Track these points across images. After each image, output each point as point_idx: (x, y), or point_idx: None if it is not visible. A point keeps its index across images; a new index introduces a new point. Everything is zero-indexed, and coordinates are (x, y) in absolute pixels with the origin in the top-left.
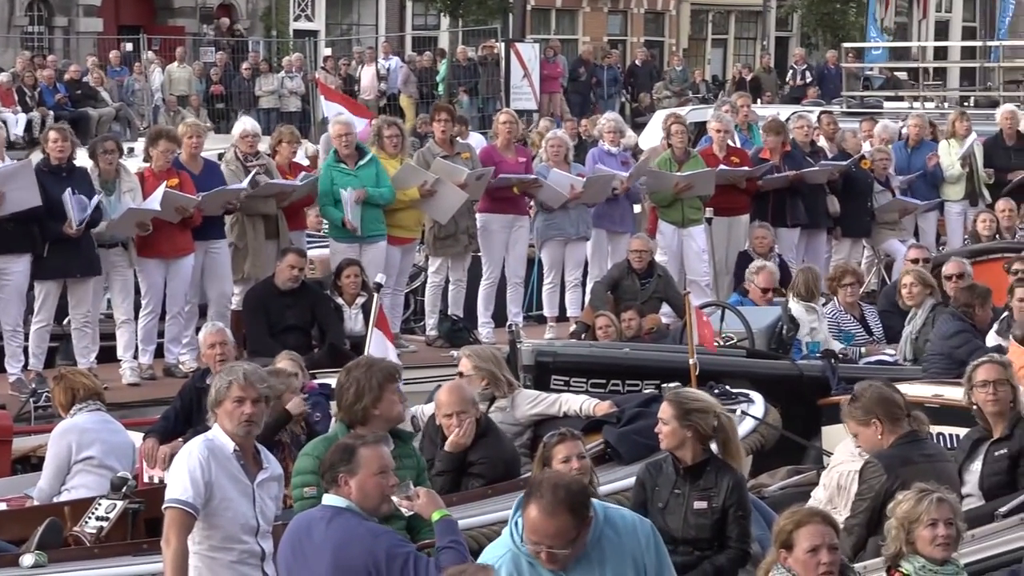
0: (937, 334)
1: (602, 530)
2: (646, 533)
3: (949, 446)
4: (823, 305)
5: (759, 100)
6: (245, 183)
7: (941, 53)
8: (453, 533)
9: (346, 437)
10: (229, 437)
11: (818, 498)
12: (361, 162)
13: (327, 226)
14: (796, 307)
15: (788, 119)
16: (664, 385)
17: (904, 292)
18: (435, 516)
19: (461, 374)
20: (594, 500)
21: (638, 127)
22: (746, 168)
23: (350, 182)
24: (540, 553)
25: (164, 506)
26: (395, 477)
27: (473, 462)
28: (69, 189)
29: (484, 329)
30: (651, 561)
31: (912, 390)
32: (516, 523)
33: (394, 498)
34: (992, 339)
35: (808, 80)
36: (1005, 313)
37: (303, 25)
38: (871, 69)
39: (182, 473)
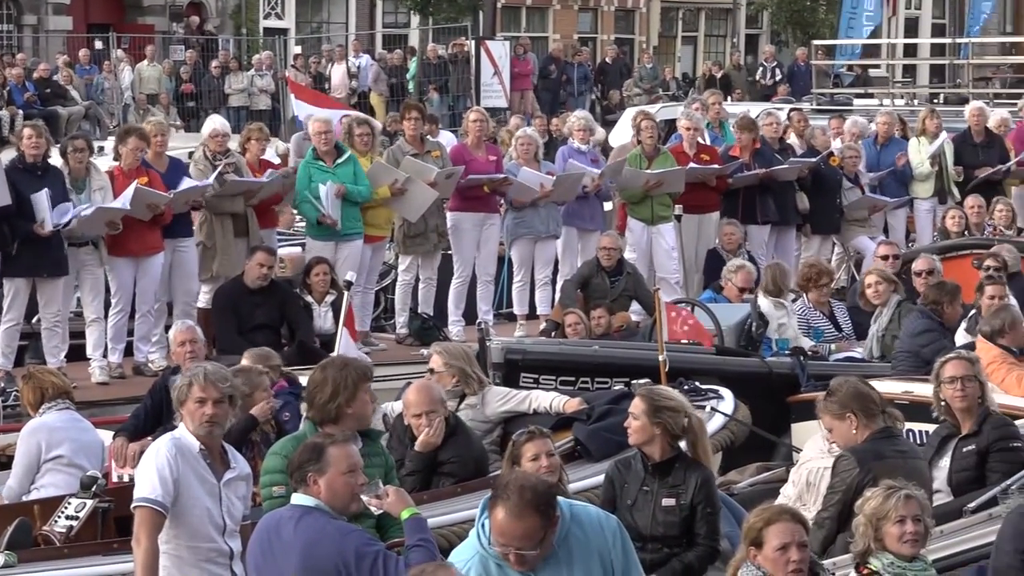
0: (905, 331)
1: (568, 528)
2: (612, 530)
3: (919, 442)
4: (793, 302)
5: (729, 98)
6: (211, 179)
7: (911, 50)
8: (422, 531)
9: (315, 436)
10: (195, 437)
11: (787, 495)
12: (339, 160)
13: (304, 224)
14: (764, 303)
15: (758, 116)
16: (633, 382)
17: (869, 292)
18: (404, 514)
19: (432, 371)
20: (560, 498)
21: (608, 124)
22: (716, 166)
23: (328, 179)
24: (508, 555)
25: (133, 505)
26: (364, 476)
27: (443, 461)
28: (46, 191)
29: (454, 327)
30: (618, 557)
31: (882, 387)
32: (483, 525)
33: (364, 497)
34: (961, 336)
35: (778, 78)
36: (973, 311)
37: (273, 23)
38: (843, 67)
39: (150, 472)
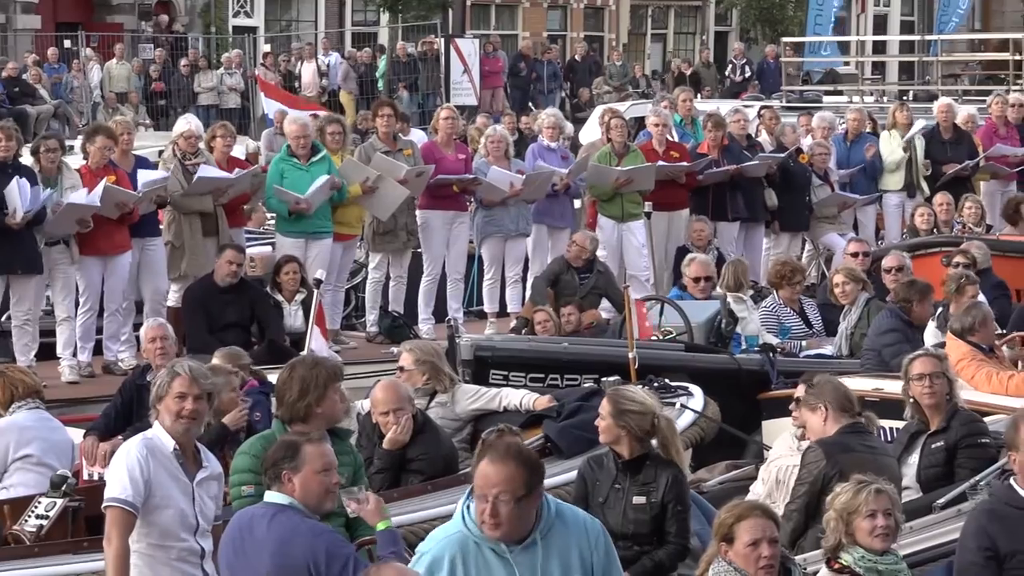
0: (872, 329)
1: (553, 523)
2: (596, 533)
3: (889, 439)
4: (763, 299)
5: (699, 95)
6: (171, 170)
7: (880, 47)
8: (394, 544)
9: (289, 434)
10: (169, 435)
11: (756, 492)
12: (314, 158)
13: (275, 222)
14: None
15: (727, 114)
16: (603, 380)
17: (837, 291)
18: (379, 526)
19: (402, 368)
20: (547, 495)
21: (578, 122)
22: (686, 163)
23: (302, 177)
24: (485, 511)
25: (104, 505)
26: (338, 475)
27: (412, 459)
28: (16, 178)
29: (424, 325)
30: (599, 561)
31: (852, 384)
32: (467, 507)
33: (344, 497)
34: (931, 332)
35: (747, 75)
36: (940, 309)
37: (242, 21)
38: (820, 73)
39: (121, 472)
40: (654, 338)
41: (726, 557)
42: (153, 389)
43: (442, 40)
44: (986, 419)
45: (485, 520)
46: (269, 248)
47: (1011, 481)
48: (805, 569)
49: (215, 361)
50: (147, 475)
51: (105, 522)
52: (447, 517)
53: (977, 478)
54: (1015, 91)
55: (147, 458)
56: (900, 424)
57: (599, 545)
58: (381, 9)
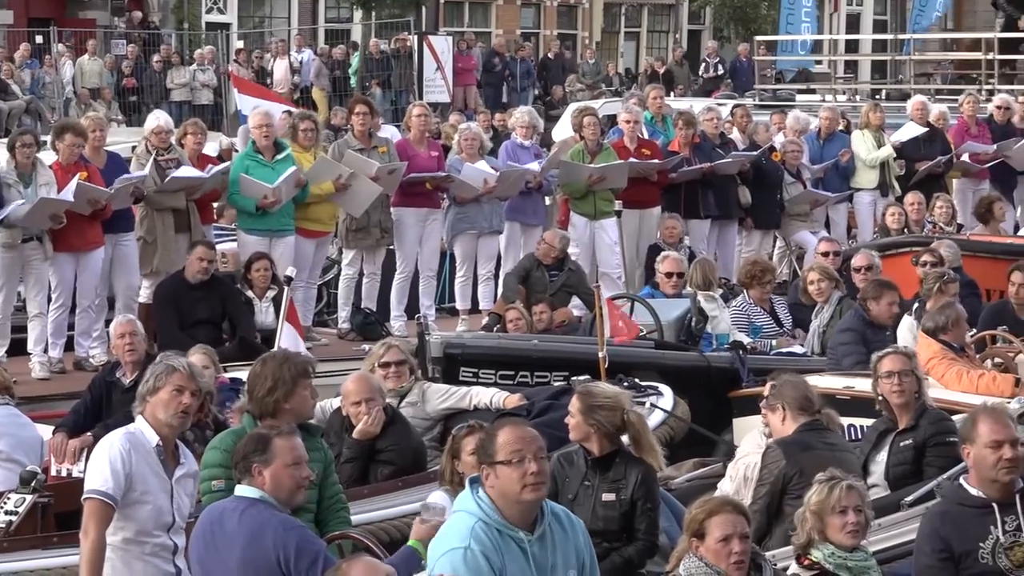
0: (835, 328)
1: (550, 520)
2: (584, 532)
3: (860, 437)
4: (734, 298)
5: (672, 93)
6: (147, 170)
7: (853, 46)
8: (409, 564)
9: (260, 427)
10: (155, 430)
11: (724, 490)
12: (278, 156)
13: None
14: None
15: (700, 112)
16: (573, 378)
17: (811, 289)
18: (412, 543)
19: (387, 364)
20: None
21: (551, 120)
22: (657, 161)
23: (266, 175)
24: (528, 471)
25: (84, 497)
26: (308, 469)
27: (381, 450)
28: None
29: (396, 322)
30: (587, 559)
31: (823, 382)
32: (480, 496)
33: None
34: (906, 325)
35: (720, 73)
36: (916, 305)
37: (215, 18)
38: (793, 72)
39: (103, 464)
40: (641, 331)
41: (697, 553)
42: (147, 381)
43: (415, 37)
44: (955, 417)
45: (531, 482)
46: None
47: (961, 480)
48: (775, 564)
49: (192, 358)
50: (128, 469)
51: (83, 514)
52: (418, 514)
53: (945, 476)
54: (1001, 92)
55: (129, 452)
56: (871, 422)
57: (588, 544)
58: (354, 6)
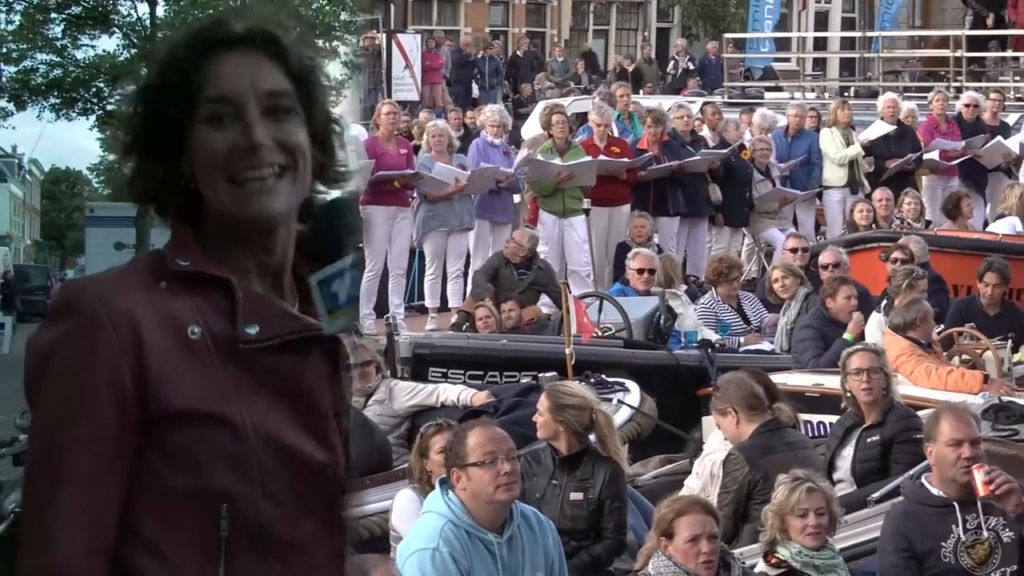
0: (799, 324)
1: (519, 522)
2: (554, 533)
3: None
4: (702, 295)
5: (640, 91)
6: None
7: (821, 43)
8: None
9: None
10: None
11: (691, 487)
12: None
13: None
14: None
15: (670, 110)
16: (541, 376)
17: (776, 286)
18: None
19: (366, 362)
20: None
21: (520, 118)
22: (627, 159)
23: None
24: (502, 472)
25: None
26: None
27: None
28: None
29: (365, 320)
30: (556, 561)
31: (791, 379)
32: (450, 498)
33: None
34: (875, 321)
35: (689, 71)
36: (885, 301)
37: None
38: (761, 70)
39: None
40: (595, 334)
41: (666, 552)
42: None
43: (384, 35)
44: (922, 413)
45: (504, 482)
46: None
47: (922, 479)
48: (744, 563)
49: None
50: None
51: None
52: (385, 512)
53: (911, 472)
54: (969, 90)
55: None
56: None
57: (557, 546)
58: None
